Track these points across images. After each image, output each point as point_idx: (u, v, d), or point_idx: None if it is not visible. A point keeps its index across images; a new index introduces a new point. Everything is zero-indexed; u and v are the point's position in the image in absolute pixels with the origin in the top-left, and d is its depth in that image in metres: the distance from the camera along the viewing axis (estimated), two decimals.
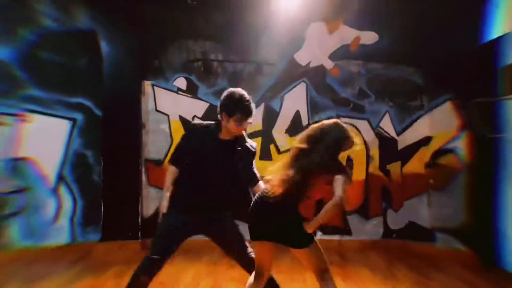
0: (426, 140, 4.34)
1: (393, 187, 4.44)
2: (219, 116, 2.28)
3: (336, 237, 4.40)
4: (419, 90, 4.43)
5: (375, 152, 4.45)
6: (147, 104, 4.39)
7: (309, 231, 2.00)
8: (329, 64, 4.52)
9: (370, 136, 4.45)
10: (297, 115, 4.54)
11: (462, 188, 3.98)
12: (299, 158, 2.03)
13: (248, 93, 2.28)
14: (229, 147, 2.31)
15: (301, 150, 2.05)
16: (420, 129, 4.41)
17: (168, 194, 2.31)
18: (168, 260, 2.22)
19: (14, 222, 3.94)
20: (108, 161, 4.14)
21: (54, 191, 4.07)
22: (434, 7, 4.18)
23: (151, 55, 4.45)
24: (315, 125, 2.13)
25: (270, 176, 2.12)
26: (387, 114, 4.48)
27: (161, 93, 4.45)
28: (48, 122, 4.03)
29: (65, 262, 3.83)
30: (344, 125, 2.13)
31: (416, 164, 4.40)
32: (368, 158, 4.42)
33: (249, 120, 2.25)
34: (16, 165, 3.97)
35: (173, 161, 2.39)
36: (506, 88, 3.43)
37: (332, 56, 4.50)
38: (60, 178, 4.10)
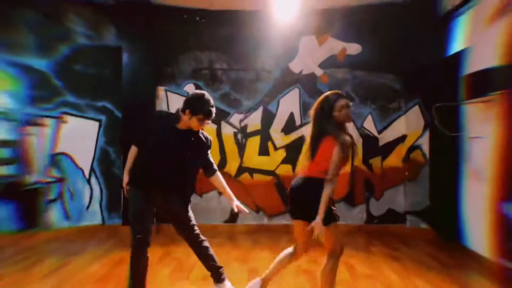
0: (402, 138, 4.79)
1: (374, 178, 4.87)
2: (181, 110, 2.46)
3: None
4: (397, 94, 4.80)
5: (359, 148, 4.86)
6: (160, 106, 4.86)
7: (318, 226, 2.13)
8: (319, 72, 4.91)
9: (355, 134, 4.81)
10: (291, 116, 4.93)
11: (428, 179, 4.60)
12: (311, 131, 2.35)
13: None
14: (183, 136, 2.47)
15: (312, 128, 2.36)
16: (397, 128, 4.79)
17: (128, 171, 2.55)
18: (151, 233, 2.49)
19: (54, 207, 4.53)
20: (126, 157, 4.73)
21: (87, 181, 4.70)
22: (408, 23, 4.65)
23: (164, 64, 4.88)
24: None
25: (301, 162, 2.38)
26: (370, 115, 4.84)
27: (173, 97, 4.89)
28: (81, 123, 4.63)
29: (96, 240, 4.40)
30: (331, 94, 2.32)
31: (394, 159, 4.82)
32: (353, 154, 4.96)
33: (209, 121, 2.46)
34: (56, 159, 4.56)
35: (135, 142, 2.60)
36: (464, 94, 3.92)
37: (321, 65, 4.89)
38: (92, 170, 4.71)
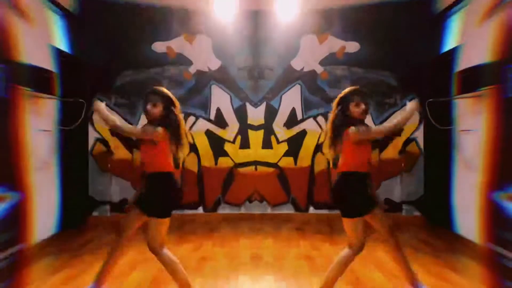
0: (399, 132, 4.97)
1: (373, 170, 5.14)
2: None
3: (325, 211, 5.12)
4: (394, 90, 5.01)
5: None
6: None
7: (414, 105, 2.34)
8: (319, 69, 5.11)
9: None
10: (293, 111, 5.14)
11: (422, 170, 4.83)
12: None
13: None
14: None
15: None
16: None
17: None
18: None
19: None
20: None
21: None
22: (404, 23, 4.87)
23: None
24: None
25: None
26: None
27: None
28: None
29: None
30: (348, 91, 2.41)
31: (391, 151, 5.03)
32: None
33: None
34: None
35: None
36: (456, 90, 4.13)
37: (322, 63, 5.10)
38: None
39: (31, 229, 3.38)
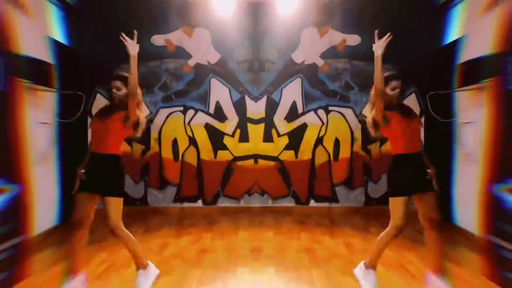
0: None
1: (373, 163, 5.10)
2: None
3: (326, 205, 5.12)
4: None
5: (358, 134, 5.11)
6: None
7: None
8: (320, 62, 5.08)
9: (354, 121, 5.08)
10: (294, 104, 5.11)
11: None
12: None
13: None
14: None
15: None
16: None
17: None
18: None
19: None
20: None
21: None
22: (406, 15, 4.83)
23: None
24: None
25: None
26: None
27: None
28: None
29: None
30: (385, 76, 2.62)
31: None
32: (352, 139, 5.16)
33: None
34: None
35: None
36: (457, 82, 4.12)
37: (322, 55, 5.06)
38: None
39: (31, 221, 3.40)
